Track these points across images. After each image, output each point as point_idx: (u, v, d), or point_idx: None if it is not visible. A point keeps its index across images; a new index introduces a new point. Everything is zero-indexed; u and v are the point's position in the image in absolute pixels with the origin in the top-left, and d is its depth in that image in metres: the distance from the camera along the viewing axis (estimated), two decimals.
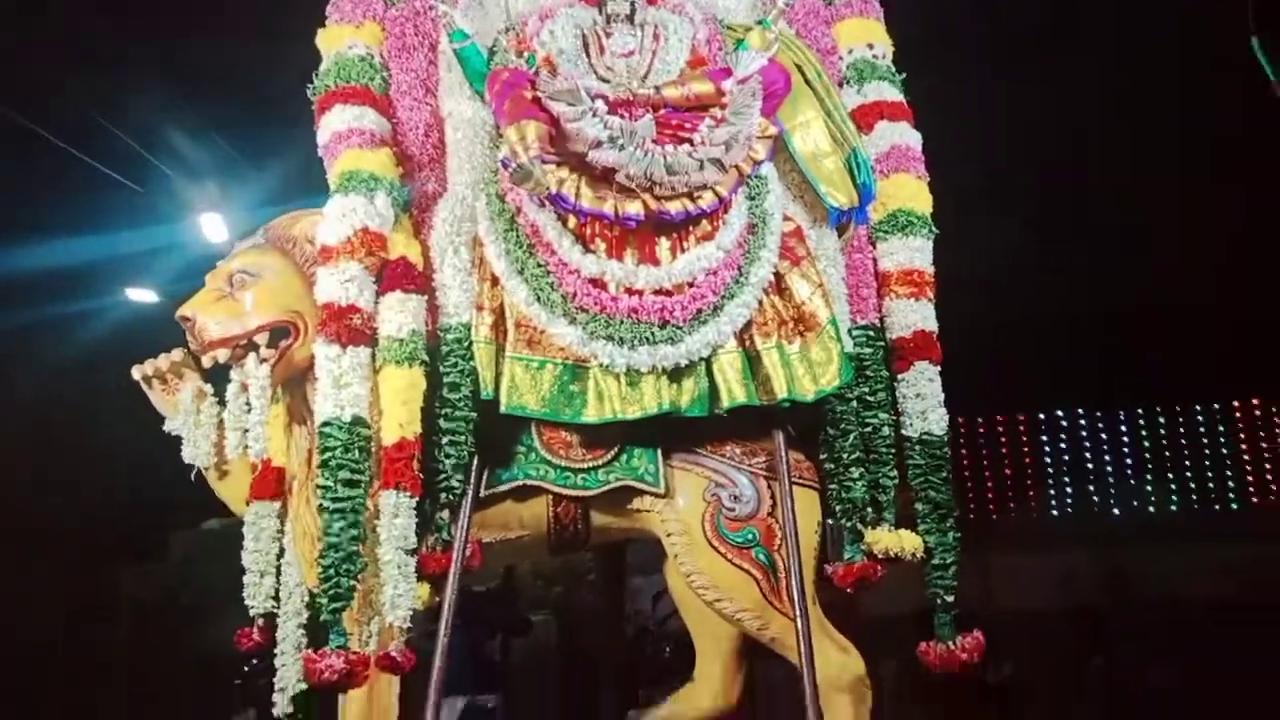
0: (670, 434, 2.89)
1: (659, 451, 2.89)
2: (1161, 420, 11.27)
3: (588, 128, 2.79)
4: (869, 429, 3.02)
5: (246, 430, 2.86)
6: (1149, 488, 10.99)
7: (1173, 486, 10.95)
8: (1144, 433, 11.23)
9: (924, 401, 3.04)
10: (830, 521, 2.99)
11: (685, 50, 3.18)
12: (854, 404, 3.00)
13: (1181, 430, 11.17)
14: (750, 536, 2.83)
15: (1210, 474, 11.09)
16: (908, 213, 3.16)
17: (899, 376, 3.09)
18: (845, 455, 2.94)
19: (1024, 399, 11.05)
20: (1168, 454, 11.11)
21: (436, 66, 3.24)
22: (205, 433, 3.06)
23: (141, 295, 12.14)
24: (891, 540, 2.90)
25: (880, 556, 2.91)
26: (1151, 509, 10.94)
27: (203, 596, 10.62)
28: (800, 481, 2.91)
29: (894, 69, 3.39)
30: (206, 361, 2.84)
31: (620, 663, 4.53)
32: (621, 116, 2.88)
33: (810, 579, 2.86)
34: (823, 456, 2.99)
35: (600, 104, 2.86)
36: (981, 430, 11.54)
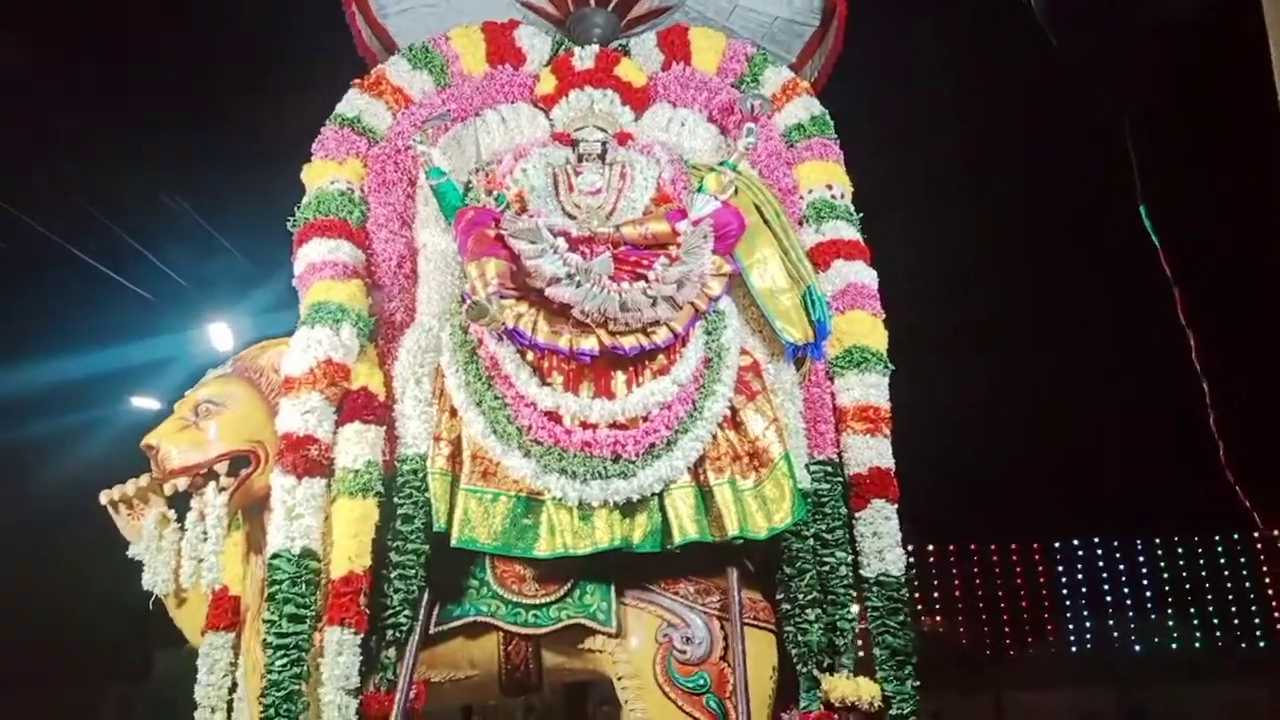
0: (624, 570, 2.86)
1: (612, 588, 2.85)
2: (1180, 551, 10.96)
3: (546, 265, 2.88)
4: (826, 568, 2.96)
5: (201, 560, 2.86)
6: (1171, 622, 10.59)
7: (1195, 621, 10.56)
8: (1162, 565, 10.92)
9: (881, 540, 2.99)
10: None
11: (651, 189, 3.32)
12: (811, 541, 2.95)
13: (1202, 563, 10.84)
14: (702, 682, 2.74)
15: (1234, 608, 10.69)
16: (863, 349, 3.20)
17: (856, 514, 3.05)
18: (802, 595, 2.87)
19: (1041, 527, 10.85)
20: (1188, 587, 10.76)
21: (414, 200, 3.42)
22: (166, 559, 3.04)
23: (146, 403, 12.30)
24: (848, 688, 2.80)
25: (837, 705, 2.80)
26: (1174, 645, 10.51)
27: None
28: (754, 623, 2.84)
29: (852, 209, 3.50)
30: (167, 489, 2.87)
31: None
32: (581, 254, 2.98)
33: None
34: (779, 596, 2.93)
35: (561, 241, 2.97)
36: (995, 558, 11.27)
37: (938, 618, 10.65)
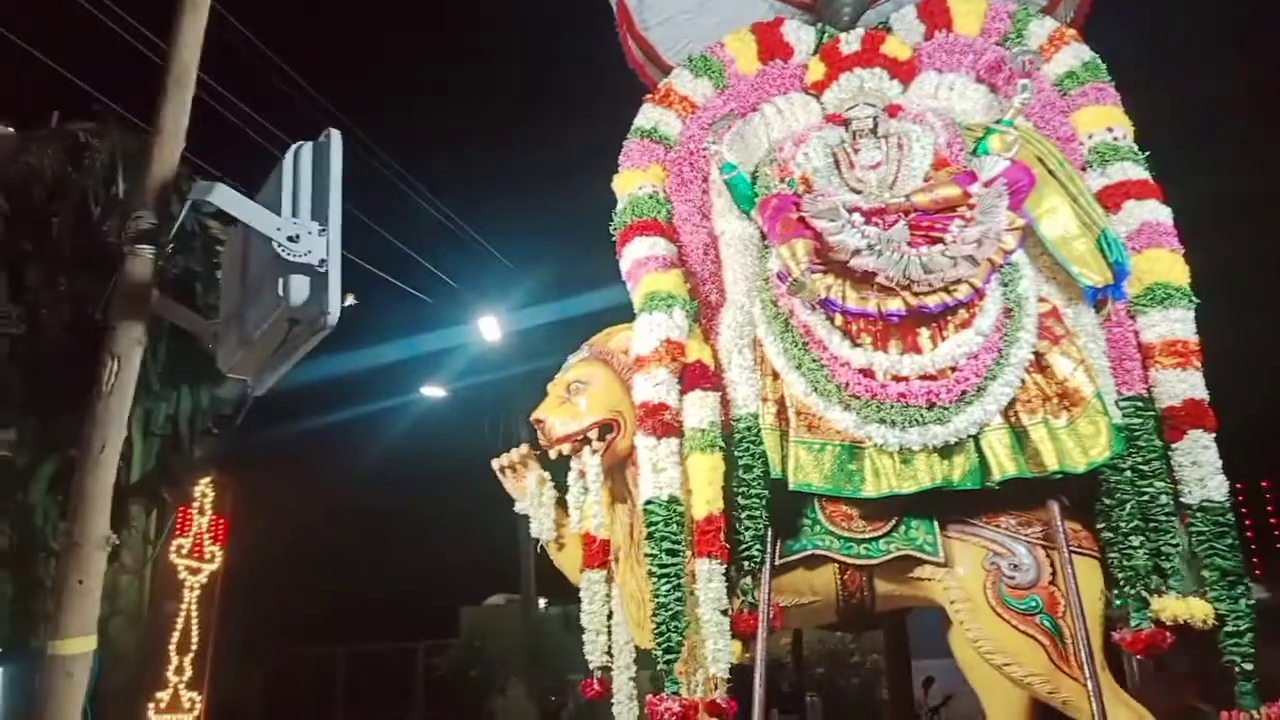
0: (945, 507, 3.16)
1: (935, 523, 3.17)
2: None
3: (848, 239, 3.23)
4: (1145, 498, 3.10)
5: (583, 509, 3.50)
6: None
7: None
8: None
9: (1201, 469, 3.09)
10: None
11: (929, 156, 3.55)
12: (1128, 473, 3.11)
13: None
14: (1034, 604, 3.01)
15: None
16: (1165, 285, 3.28)
17: (1173, 446, 3.16)
18: (1124, 524, 3.05)
19: None
20: None
21: (709, 195, 3.87)
22: (547, 512, 3.75)
23: (434, 391, 14.14)
24: (1179, 607, 2.95)
25: (1168, 624, 2.96)
26: None
27: (487, 669, 11.88)
28: (1079, 550, 3.05)
29: (1136, 149, 3.54)
30: (553, 454, 3.53)
31: None
32: (876, 225, 3.29)
33: (1098, 645, 2.97)
34: (1100, 526, 3.12)
35: (857, 216, 3.30)
36: None
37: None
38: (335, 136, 2.51)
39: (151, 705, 7.55)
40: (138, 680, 7.18)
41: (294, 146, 2.52)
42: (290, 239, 2.29)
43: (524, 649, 12.23)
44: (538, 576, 13.26)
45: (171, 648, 7.77)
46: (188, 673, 7.82)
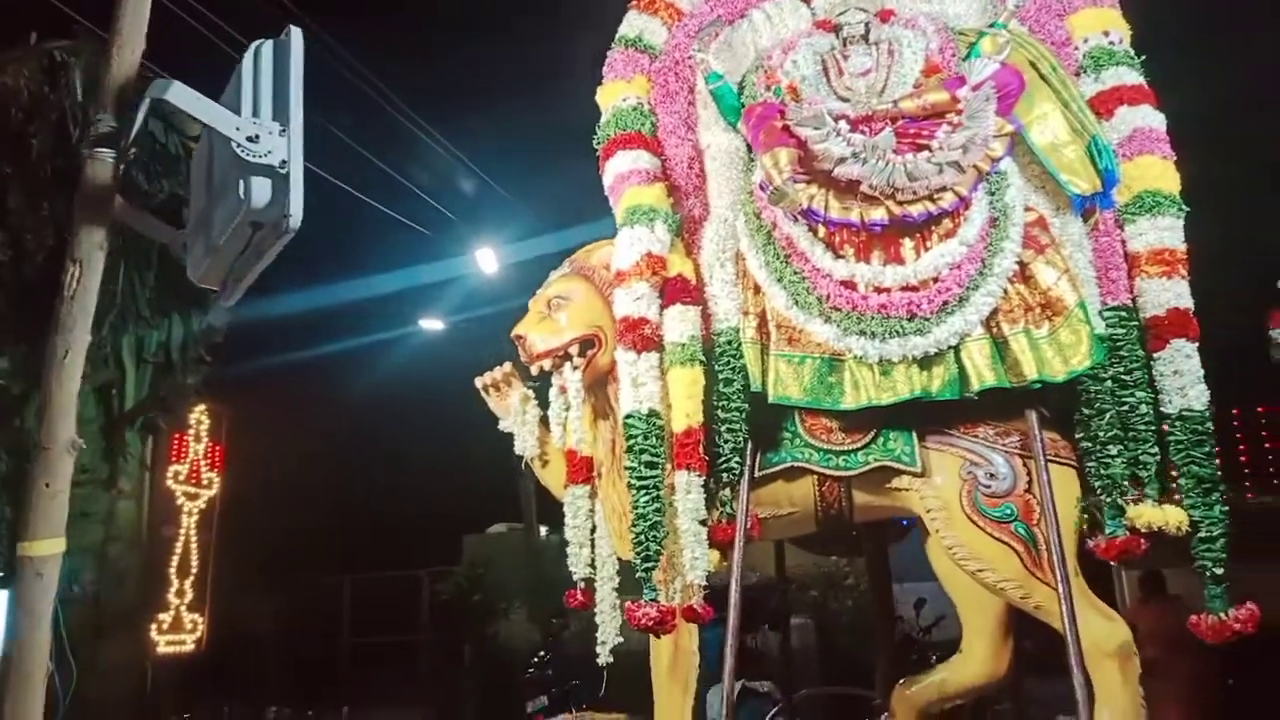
0: (924, 418, 3.16)
1: (914, 434, 3.17)
2: None
3: (832, 147, 3.15)
4: (1126, 407, 3.09)
5: (565, 425, 3.50)
6: None
7: None
8: None
9: (1182, 378, 3.06)
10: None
11: (920, 62, 3.44)
12: (1109, 383, 3.08)
13: None
14: (1008, 512, 3.03)
15: None
16: (1154, 193, 3.20)
17: (1155, 355, 3.12)
18: (1102, 433, 3.04)
19: None
20: None
21: (695, 106, 3.76)
22: (530, 429, 3.76)
23: (432, 324, 14.19)
24: (1155, 515, 2.96)
25: (1143, 531, 2.98)
26: None
27: (489, 594, 12.16)
28: (1056, 459, 3.05)
29: (1132, 53, 3.43)
30: (534, 370, 3.52)
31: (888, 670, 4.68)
32: (862, 132, 3.21)
33: (1071, 552, 3.00)
34: (1079, 435, 3.11)
35: (843, 124, 3.21)
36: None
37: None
38: (296, 34, 2.42)
39: (154, 626, 7.74)
40: (139, 602, 7.34)
41: (253, 45, 2.44)
42: (250, 139, 2.23)
43: (525, 574, 12.46)
44: (538, 505, 13.45)
45: (171, 571, 7.93)
46: (189, 595, 7.99)
